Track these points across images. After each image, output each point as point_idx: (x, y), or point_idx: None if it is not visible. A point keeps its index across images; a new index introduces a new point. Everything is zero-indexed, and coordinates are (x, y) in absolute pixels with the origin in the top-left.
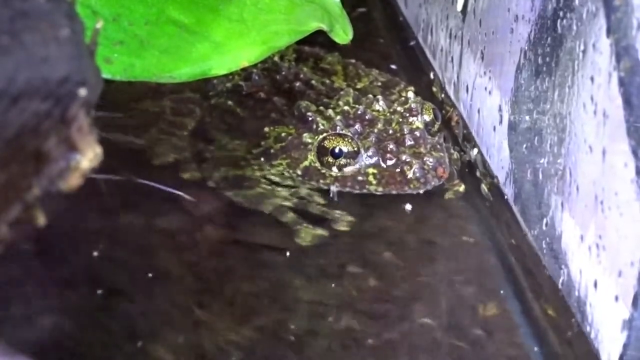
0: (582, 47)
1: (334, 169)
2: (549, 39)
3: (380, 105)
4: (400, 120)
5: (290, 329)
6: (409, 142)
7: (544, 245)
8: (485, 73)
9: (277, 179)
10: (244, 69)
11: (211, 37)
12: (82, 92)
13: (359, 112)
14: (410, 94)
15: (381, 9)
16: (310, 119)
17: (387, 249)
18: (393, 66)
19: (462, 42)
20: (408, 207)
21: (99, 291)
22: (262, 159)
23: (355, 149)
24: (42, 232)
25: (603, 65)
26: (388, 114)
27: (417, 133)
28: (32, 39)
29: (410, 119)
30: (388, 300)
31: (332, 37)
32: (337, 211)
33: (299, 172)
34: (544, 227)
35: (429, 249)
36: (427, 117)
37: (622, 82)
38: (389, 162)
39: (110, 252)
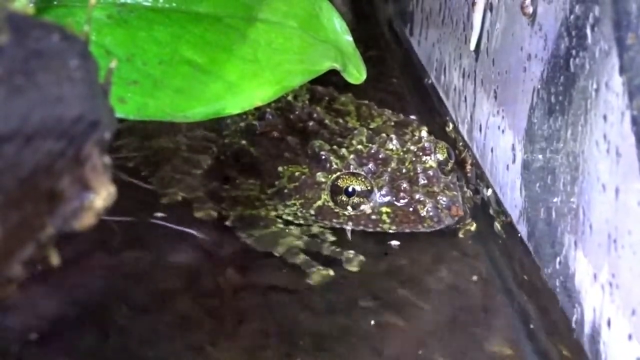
0: (595, 86)
1: (348, 208)
2: (561, 77)
3: (393, 144)
4: (414, 159)
5: None
6: (422, 181)
7: (557, 284)
8: (498, 112)
9: (291, 219)
10: (257, 109)
11: (225, 76)
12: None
13: (373, 151)
14: (424, 133)
15: (394, 49)
16: (323, 158)
17: (400, 287)
18: (406, 105)
19: (475, 81)
20: (421, 246)
21: (110, 332)
22: (276, 199)
23: (369, 187)
24: (53, 273)
25: (616, 104)
26: (401, 153)
27: (431, 172)
28: (46, 78)
29: (424, 158)
30: (399, 337)
31: (346, 77)
32: (351, 251)
33: (312, 212)
34: (557, 266)
35: (443, 288)
36: (441, 156)
37: (634, 121)
38: (403, 201)
39: (120, 293)
